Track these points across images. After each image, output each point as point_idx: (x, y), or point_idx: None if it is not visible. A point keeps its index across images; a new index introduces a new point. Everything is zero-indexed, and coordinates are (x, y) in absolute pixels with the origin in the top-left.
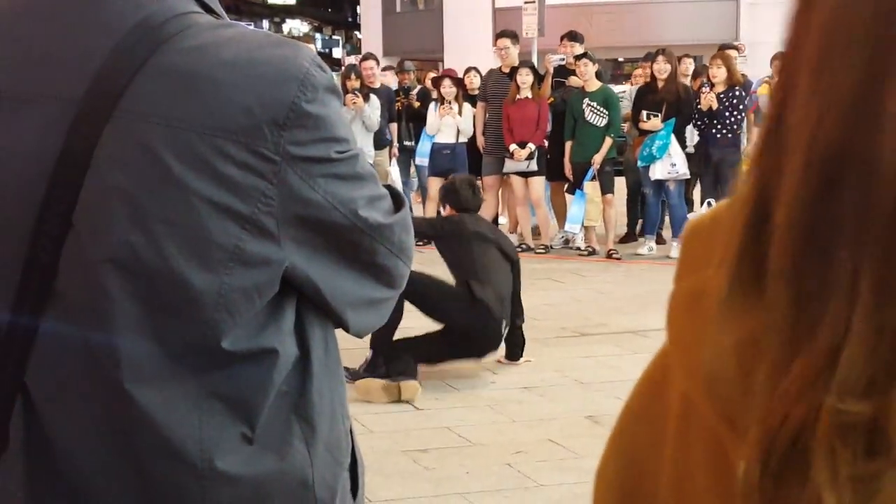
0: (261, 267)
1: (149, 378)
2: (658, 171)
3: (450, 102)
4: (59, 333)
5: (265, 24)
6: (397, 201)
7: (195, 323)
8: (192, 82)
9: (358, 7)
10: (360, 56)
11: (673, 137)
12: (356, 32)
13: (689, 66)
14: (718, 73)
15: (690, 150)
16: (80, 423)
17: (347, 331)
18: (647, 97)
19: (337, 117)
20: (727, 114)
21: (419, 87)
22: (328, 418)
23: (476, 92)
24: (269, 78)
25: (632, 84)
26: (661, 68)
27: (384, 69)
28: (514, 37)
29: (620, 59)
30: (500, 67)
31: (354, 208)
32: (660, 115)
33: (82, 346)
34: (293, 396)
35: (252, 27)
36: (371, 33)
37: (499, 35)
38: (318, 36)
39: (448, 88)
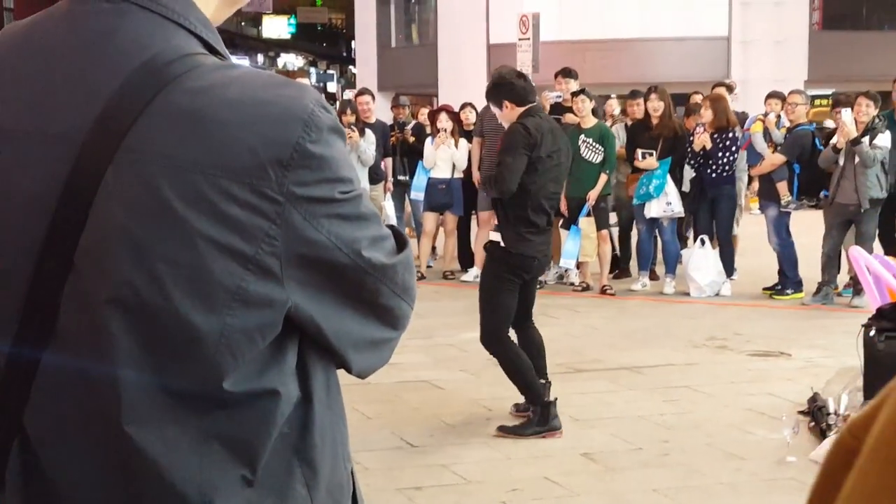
0: (264, 307)
1: (149, 419)
2: (654, 210)
3: (445, 130)
4: (60, 373)
5: (260, 57)
6: (400, 241)
7: (197, 363)
8: (197, 122)
9: (353, 42)
10: (356, 91)
11: (668, 177)
12: (351, 67)
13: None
14: (705, 115)
15: (686, 187)
16: (79, 464)
17: (350, 372)
18: (643, 134)
19: (341, 158)
20: (720, 154)
21: (414, 121)
22: (330, 460)
23: (472, 127)
24: (274, 118)
25: (629, 120)
26: (655, 105)
27: (393, 105)
28: None
29: (613, 96)
30: None
31: (358, 248)
32: (655, 152)
33: (83, 386)
34: (295, 438)
35: (248, 61)
36: (366, 68)
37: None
38: (312, 70)
39: (444, 122)
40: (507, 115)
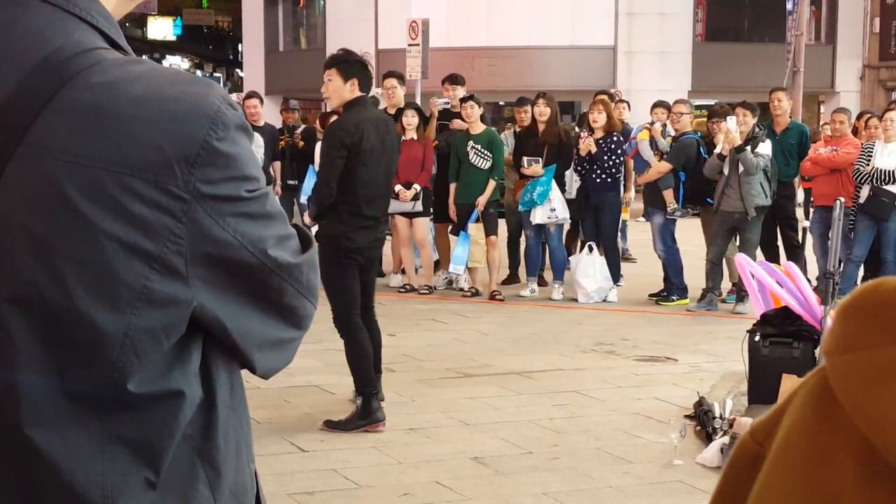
0: (169, 307)
1: (50, 421)
2: (538, 216)
3: None
4: None
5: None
6: (305, 241)
7: (101, 364)
8: (101, 118)
9: (240, 45)
10: (244, 94)
11: (553, 183)
12: (238, 70)
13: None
14: (599, 119)
15: (571, 195)
16: None
17: (254, 372)
18: (529, 141)
19: (248, 156)
20: (605, 157)
21: (304, 125)
22: (233, 462)
23: None
24: (180, 115)
25: (518, 127)
26: (542, 111)
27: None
28: (401, 77)
29: (501, 103)
30: (384, 108)
31: (264, 247)
32: (541, 160)
33: None
34: (198, 440)
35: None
36: (253, 71)
37: (386, 75)
38: (198, 73)
39: None
40: (344, 93)
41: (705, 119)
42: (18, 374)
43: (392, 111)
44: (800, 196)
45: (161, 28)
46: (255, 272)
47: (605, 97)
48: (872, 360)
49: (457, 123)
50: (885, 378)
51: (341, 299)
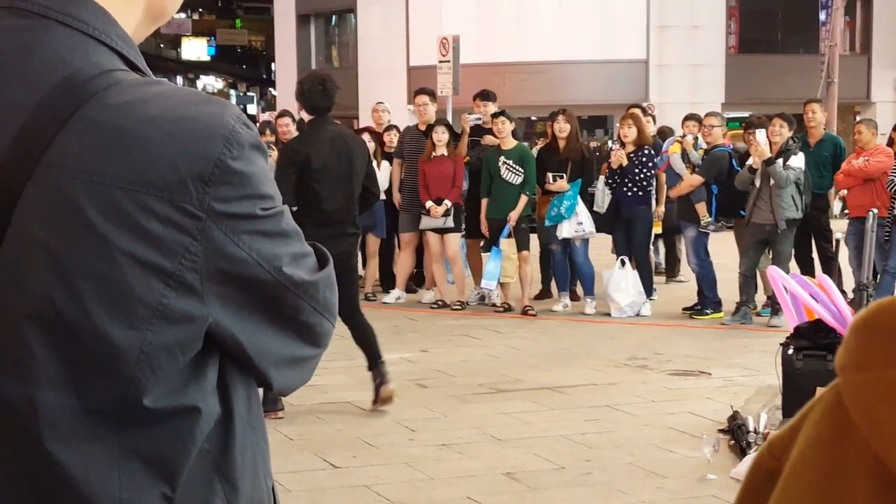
0: (184, 324)
1: (68, 436)
2: (565, 230)
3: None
4: None
5: (179, 80)
6: (321, 259)
7: (117, 380)
8: (118, 138)
9: (273, 64)
10: (276, 113)
11: (578, 197)
12: (271, 89)
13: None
14: (629, 133)
15: (601, 209)
16: None
17: (270, 389)
18: (551, 157)
19: (262, 174)
20: (636, 171)
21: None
22: (250, 477)
23: (393, 149)
24: (195, 134)
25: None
26: (561, 127)
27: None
28: (433, 94)
29: (533, 118)
30: (416, 125)
31: (279, 265)
32: (565, 175)
33: (0, 403)
34: (215, 455)
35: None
36: (286, 90)
37: (417, 92)
38: (232, 92)
39: (369, 143)
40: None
41: (739, 131)
42: (37, 389)
43: (423, 127)
44: (837, 207)
45: (195, 49)
46: (270, 289)
47: (635, 111)
48: (887, 380)
49: (488, 139)
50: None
51: None
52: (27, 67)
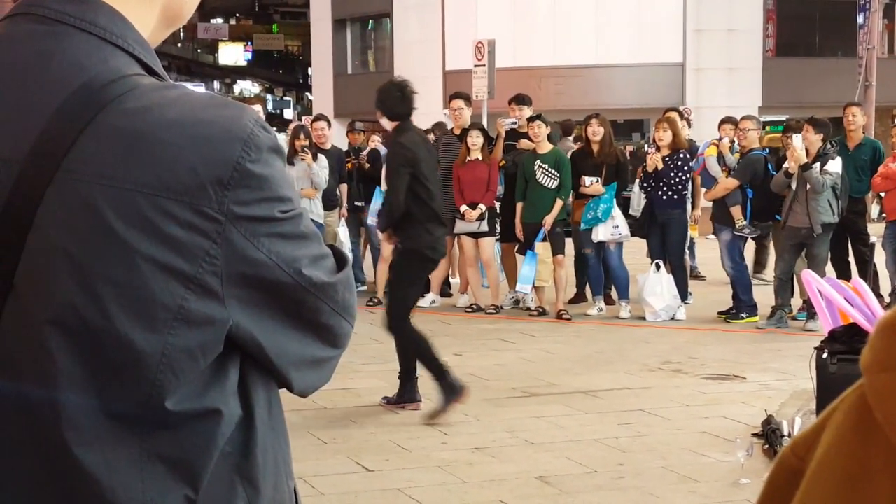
0: (205, 326)
1: (91, 439)
2: (601, 234)
3: None
4: (1, 395)
5: (216, 84)
6: (340, 260)
7: (139, 383)
8: (137, 142)
9: (309, 68)
10: (312, 117)
11: (614, 200)
12: (307, 93)
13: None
14: (665, 137)
15: (636, 212)
16: (22, 484)
17: (291, 390)
18: (586, 161)
19: (281, 177)
20: (671, 174)
21: (369, 147)
22: (272, 479)
23: None
24: (214, 138)
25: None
26: (595, 131)
27: (349, 131)
28: (468, 99)
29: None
30: (451, 129)
31: (298, 267)
32: (600, 178)
33: (24, 407)
34: (237, 457)
35: (203, 88)
36: (322, 94)
37: (453, 96)
38: (269, 97)
39: None
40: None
41: (776, 135)
42: (60, 394)
43: (458, 132)
44: (874, 211)
45: (232, 54)
46: (289, 291)
47: (671, 115)
48: None
49: (524, 143)
50: None
51: (405, 306)
52: (45, 73)
